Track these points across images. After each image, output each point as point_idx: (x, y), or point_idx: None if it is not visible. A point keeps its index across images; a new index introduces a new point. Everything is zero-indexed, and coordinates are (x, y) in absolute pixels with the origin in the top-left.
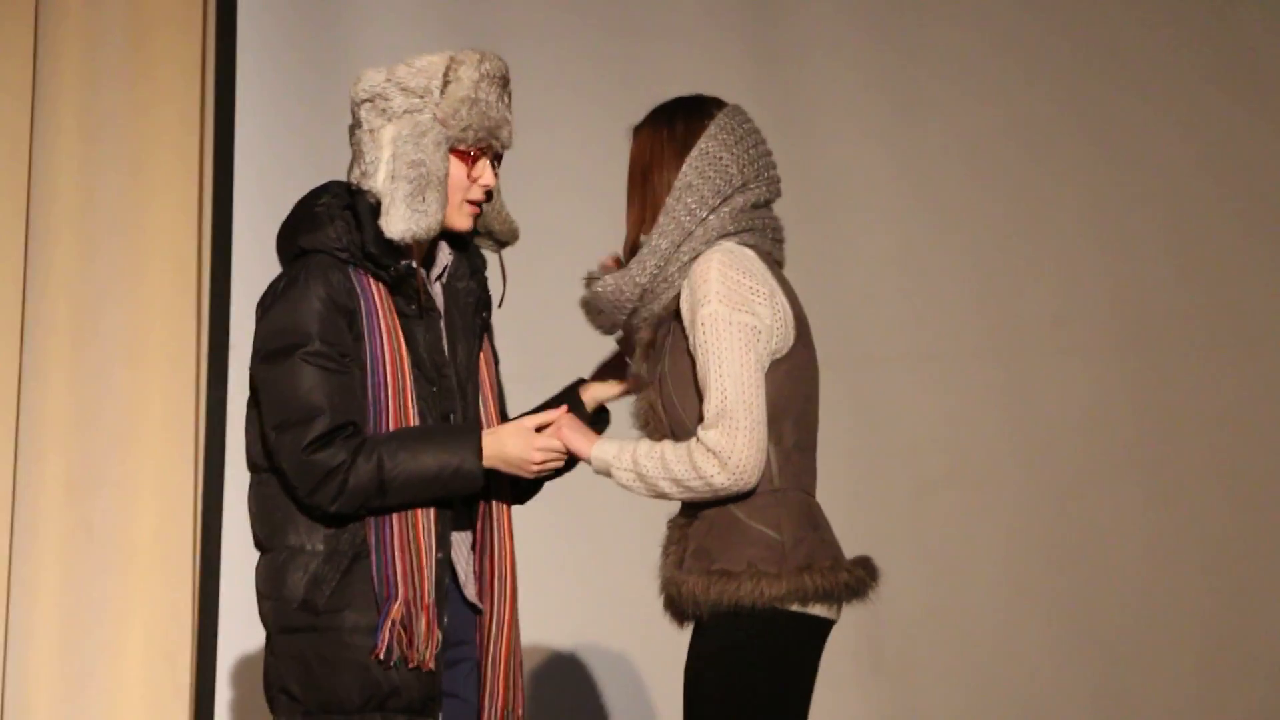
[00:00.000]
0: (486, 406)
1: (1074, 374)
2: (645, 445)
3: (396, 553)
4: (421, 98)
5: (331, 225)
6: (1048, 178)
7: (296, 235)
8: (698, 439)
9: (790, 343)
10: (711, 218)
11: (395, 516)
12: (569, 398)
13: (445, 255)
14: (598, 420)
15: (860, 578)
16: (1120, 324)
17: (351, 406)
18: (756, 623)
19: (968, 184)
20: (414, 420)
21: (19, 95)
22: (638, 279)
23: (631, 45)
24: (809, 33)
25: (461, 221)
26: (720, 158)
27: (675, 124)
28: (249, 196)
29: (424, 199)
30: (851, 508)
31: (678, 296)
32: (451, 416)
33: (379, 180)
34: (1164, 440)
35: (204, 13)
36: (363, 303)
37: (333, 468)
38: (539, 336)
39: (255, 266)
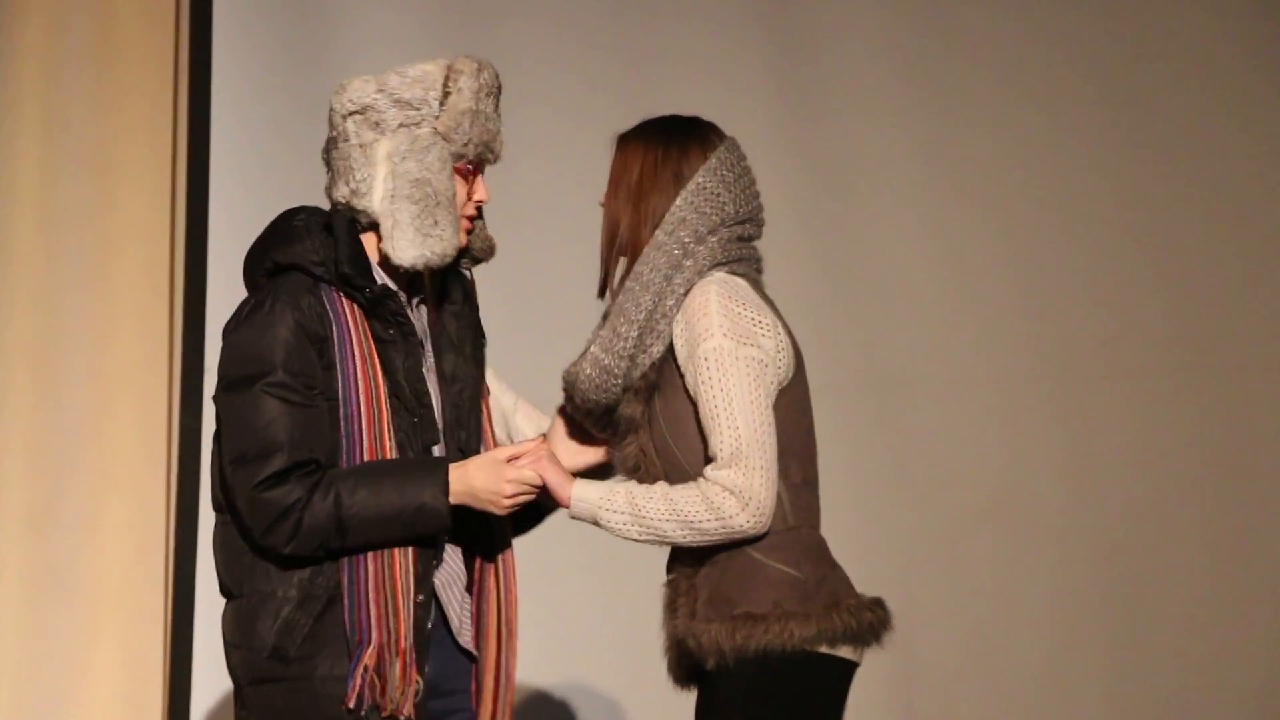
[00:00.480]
0: (486, 440)
1: (1126, 399)
2: (638, 487)
3: (370, 595)
4: (418, 109)
5: (309, 239)
6: (1098, 183)
7: (270, 250)
8: (708, 479)
9: (791, 374)
10: (701, 248)
11: (370, 557)
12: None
13: (427, 277)
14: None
15: (882, 618)
16: (1176, 344)
17: (315, 442)
18: (783, 666)
19: (1011, 189)
20: (391, 454)
21: None
22: (623, 348)
23: (645, 27)
24: (833, 14)
25: (460, 238)
26: (717, 194)
27: (673, 149)
28: (227, 199)
29: (435, 221)
30: (883, 544)
31: (670, 336)
32: (435, 450)
33: (375, 200)
34: (1224, 470)
35: None
36: (335, 327)
37: (286, 506)
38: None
39: (234, 278)
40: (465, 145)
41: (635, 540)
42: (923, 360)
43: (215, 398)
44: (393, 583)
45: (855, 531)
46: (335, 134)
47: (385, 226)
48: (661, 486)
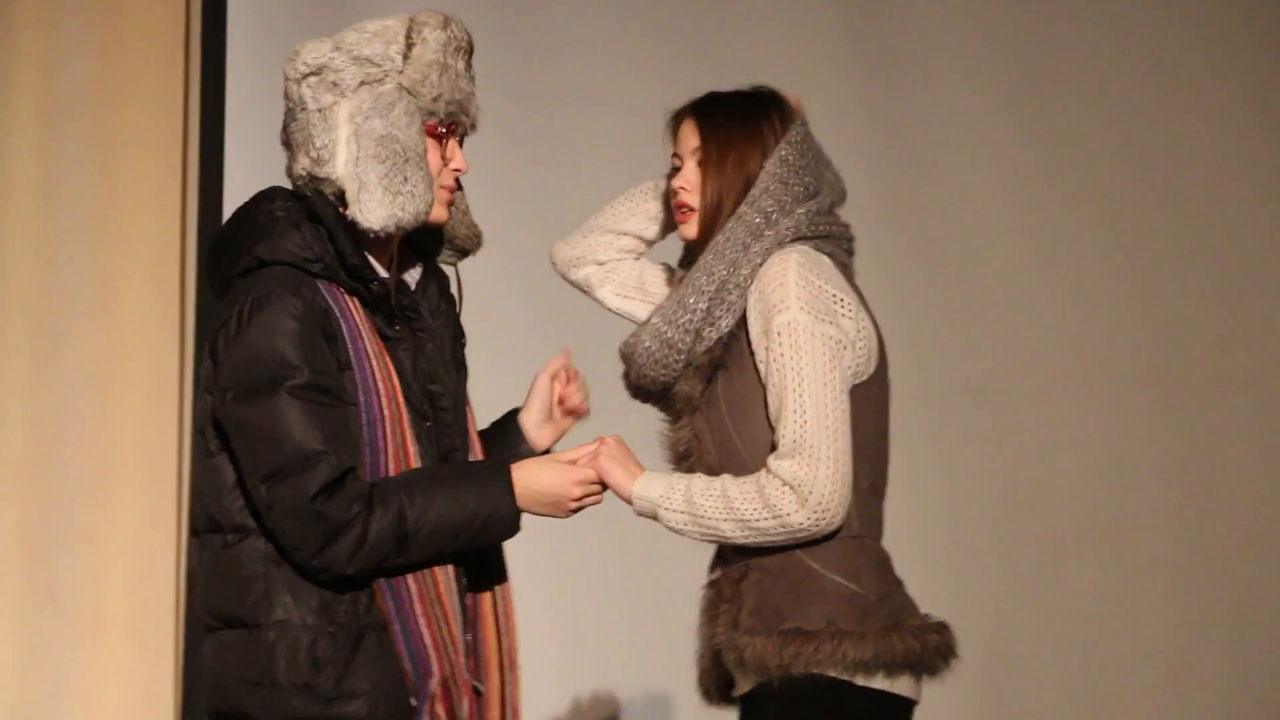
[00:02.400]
0: (473, 448)
1: (1241, 406)
2: (700, 481)
3: (422, 623)
4: (380, 65)
5: (298, 232)
6: (1219, 163)
7: (250, 244)
8: (769, 471)
9: (872, 367)
10: (785, 220)
11: (412, 579)
12: (505, 435)
13: (411, 264)
14: None
15: (948, 643)
16: None
17: (351, 447)
18: (834, 697)
19: (1118, 170)
20: (415, 463)
21: None
22: (689, 321)
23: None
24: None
25: (437, 211)
26: (800, 166)
27: (753, 119)
28: (242, 197)
29: (405, 177)
30: (971, 568)
31: (744, 308)
32: (450, 457)
33: (338, 165)
34: None
35: None
36: (344, 325)
37: (347, 520)
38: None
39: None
40: (435, 101)
41: (697, 540)
42: (1017, 362)
43: (225, 412)
44: (443, 609)
45: (938, 553)
46: (291, 104)
47: (351, 191)
48: (722, 481)
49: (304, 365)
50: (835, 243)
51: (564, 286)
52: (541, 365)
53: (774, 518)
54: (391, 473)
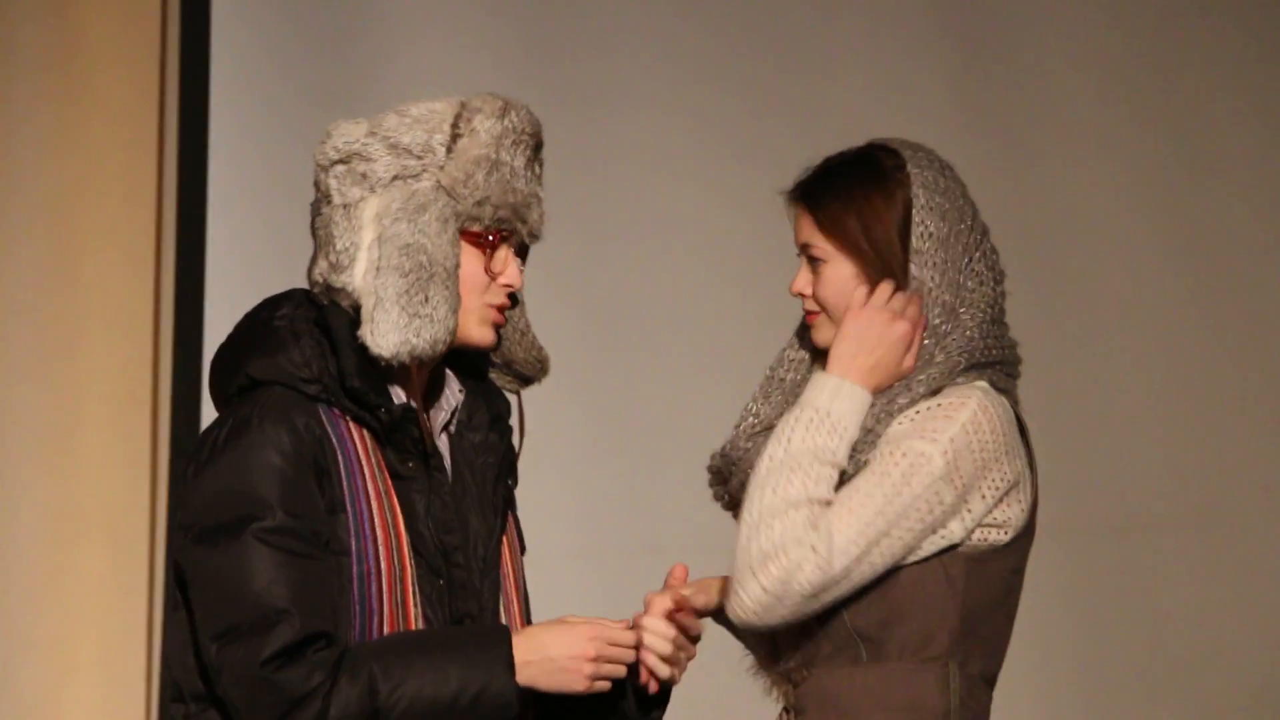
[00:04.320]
0: (510, 611)
1: None
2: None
3: None
4: (420, 158)
5: (296, 346)
6: None
7: (244, 360)
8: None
9: (1007, 536)
10: (954, 336)
11: None
12: None
13: (454, 393)
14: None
15: None
16: None
17: (325, 607)
18: None
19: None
20: (417, 626)
21: None
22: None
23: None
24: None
25: (480, 334)
26: (944, 236)
27: (871, 198)
28: (227, 189)
29: (426, 298)
30: None
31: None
32: (467, 621)
33: (356, 275)
34: None
35: None
36: (340, 458)
37: (306, 693)
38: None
39: (239, 288)
40: (478, 205)
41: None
42: (1162, 496)
43: (181, 553)
44: None
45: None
46: (317, 195)
47: (366, 307)
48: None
49: (279, 506)
50: (1007, 371)
51: (614, 302)
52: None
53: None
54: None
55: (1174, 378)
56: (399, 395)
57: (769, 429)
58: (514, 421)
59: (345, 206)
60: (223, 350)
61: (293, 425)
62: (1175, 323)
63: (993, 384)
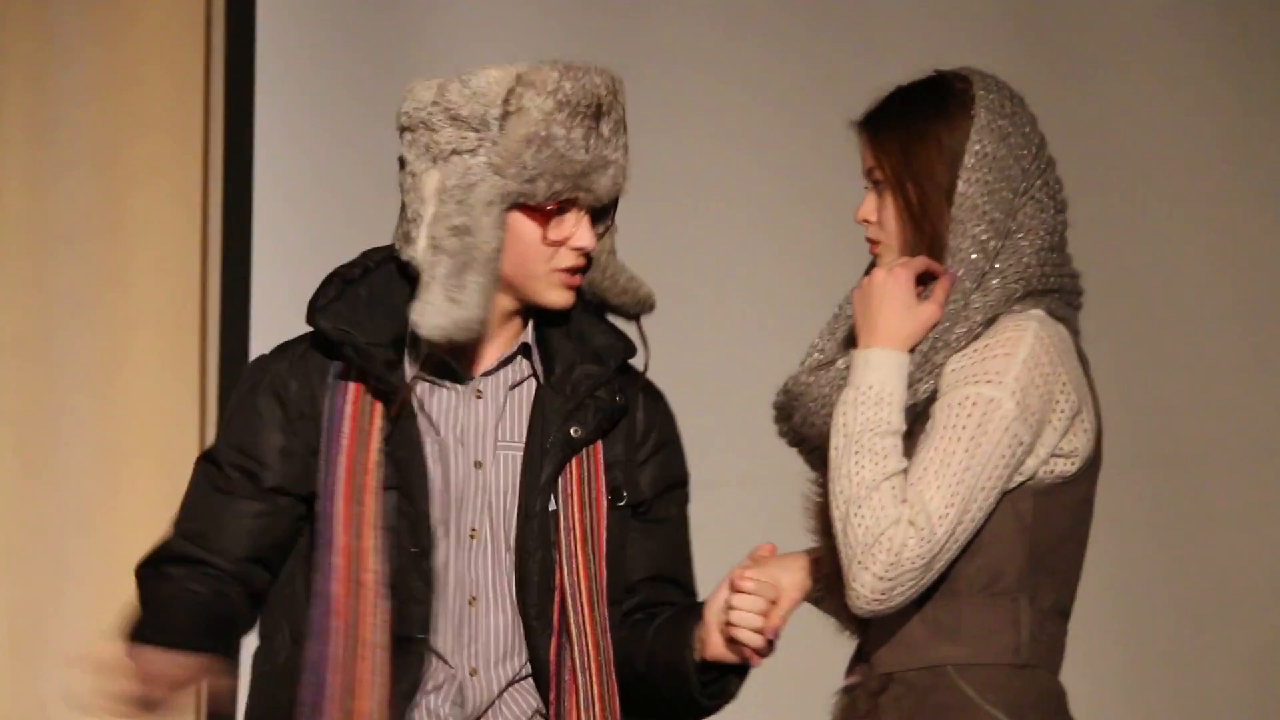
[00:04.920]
0: (573, 564)
1: None
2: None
3: None
4: (477, 131)
5: (340, 297)
6: None
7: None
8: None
9: (1075, 466)
10: (1010, 260)
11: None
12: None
13: (516, 342)
14: (714, 682)
15: None
16: None
17: (208, 537)
18: None
19: None
20: (372, 557)
21: None
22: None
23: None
24: None
25: (552, 297)
26: (1001, 158)
27: (933, 120)
28: (273, 191)
29: (461, 284)
30: (1166, 683)
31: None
32: (428, 559)
33: (419, 250)
34: None
35: None
36: (330, 403)
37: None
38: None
39: (285, 220)
40: (529, 183)
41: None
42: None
43: None
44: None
45: (1129, 667)
46: (400, 156)
47: (423, 282)
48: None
49: (225, 439)
50: (1067, 300)
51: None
52: None
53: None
54: (338, 555)
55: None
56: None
57: (830, 364)
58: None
59: (414, 175)
60: None
61: (280, 367)
62: (1239, 253)
63: (1050, 311)
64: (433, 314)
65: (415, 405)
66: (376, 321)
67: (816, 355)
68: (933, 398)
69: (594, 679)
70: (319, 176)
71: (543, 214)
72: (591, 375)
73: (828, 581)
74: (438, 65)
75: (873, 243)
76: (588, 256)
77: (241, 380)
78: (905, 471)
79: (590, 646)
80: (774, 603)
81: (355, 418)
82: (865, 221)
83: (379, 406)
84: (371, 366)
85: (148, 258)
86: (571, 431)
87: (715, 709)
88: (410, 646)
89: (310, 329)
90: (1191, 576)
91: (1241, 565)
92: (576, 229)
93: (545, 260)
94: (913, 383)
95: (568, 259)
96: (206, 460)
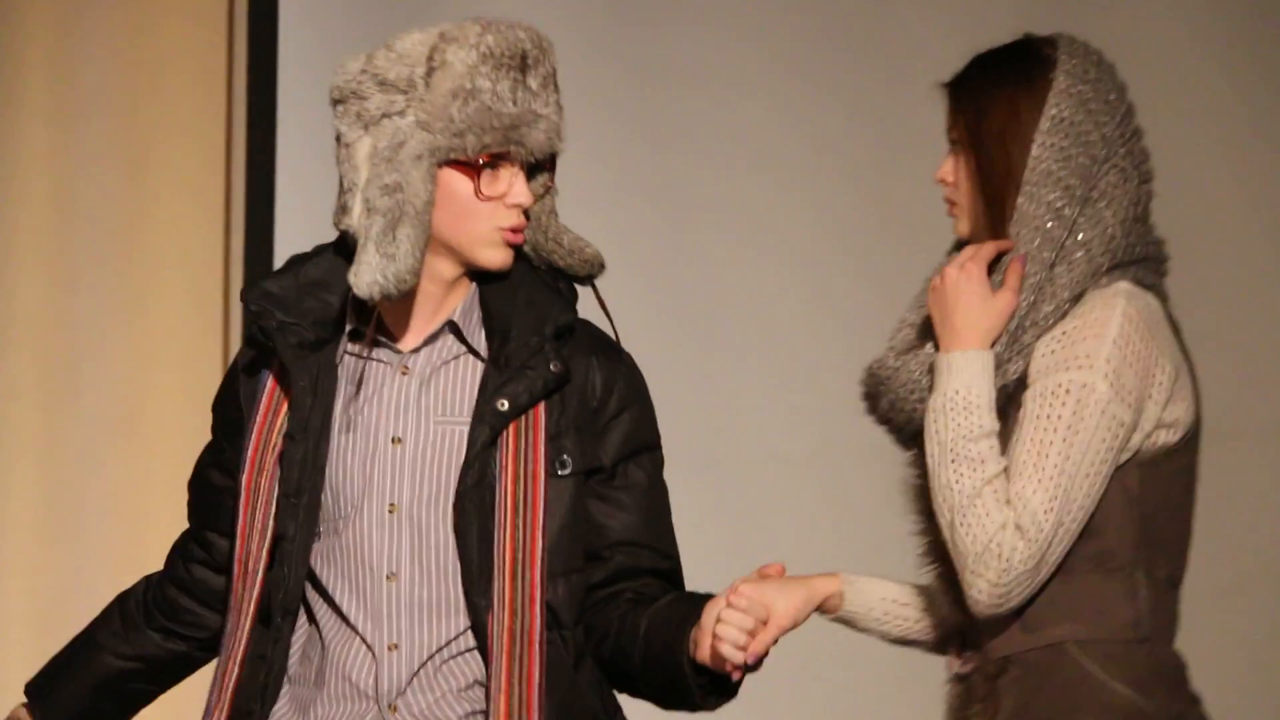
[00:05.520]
0: (502, 533)
1: None
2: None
3: None
4: (405, 93)
5: (284, 274)
6: None
7: None
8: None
9: (1177, 436)
10: (1092, 231)
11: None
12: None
13: (445, 314)
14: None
15: None
16: None
17: (196, 519)
18: None
19: None
20: (259, 538)
21: None
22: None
23: None
24: None
25: (490, 256)
26: (1079, 123)
27: (1011, 83)
28: (297, 201)
29: (394, 238)
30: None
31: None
32: (288, 534)
33: (354, 217)
34: None
35: None
36: (255, 382)
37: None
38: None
39: (309, 173)
40: (457, 137)
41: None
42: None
43: None
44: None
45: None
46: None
47: (359, 247)
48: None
49: (213, 432)
50: (1155, 269)
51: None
52: None
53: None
54: (239, 528)
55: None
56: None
57: (919, 348)
58: (592, 314)
59: (347, 146)
60: None
61: (242, 356)
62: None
63: (1137, 281)
64: (366, 272)
65: (338, 381)
66: (309, 300)
67: (906, 330)
68: (1022, 379)
69: (505, 653)
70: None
71: (475, 170)
72: (527, 345)
73: (932, 561)
74: None
75: (950, 204)
76: (526, 215)
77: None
78: (1006, 470)
79: (507, 618)
80: (764, 624)
81: (271, 395)
82: (943, 182)
83: (294, 385)
84: (281, 343)
85: (171, 256)
86: (499, 405)
87: (716, 706)
88: (277, 621)
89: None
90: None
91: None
92: (511, 185)
93: (483, 218)
94: (1001, 364)
95: (505, 217)
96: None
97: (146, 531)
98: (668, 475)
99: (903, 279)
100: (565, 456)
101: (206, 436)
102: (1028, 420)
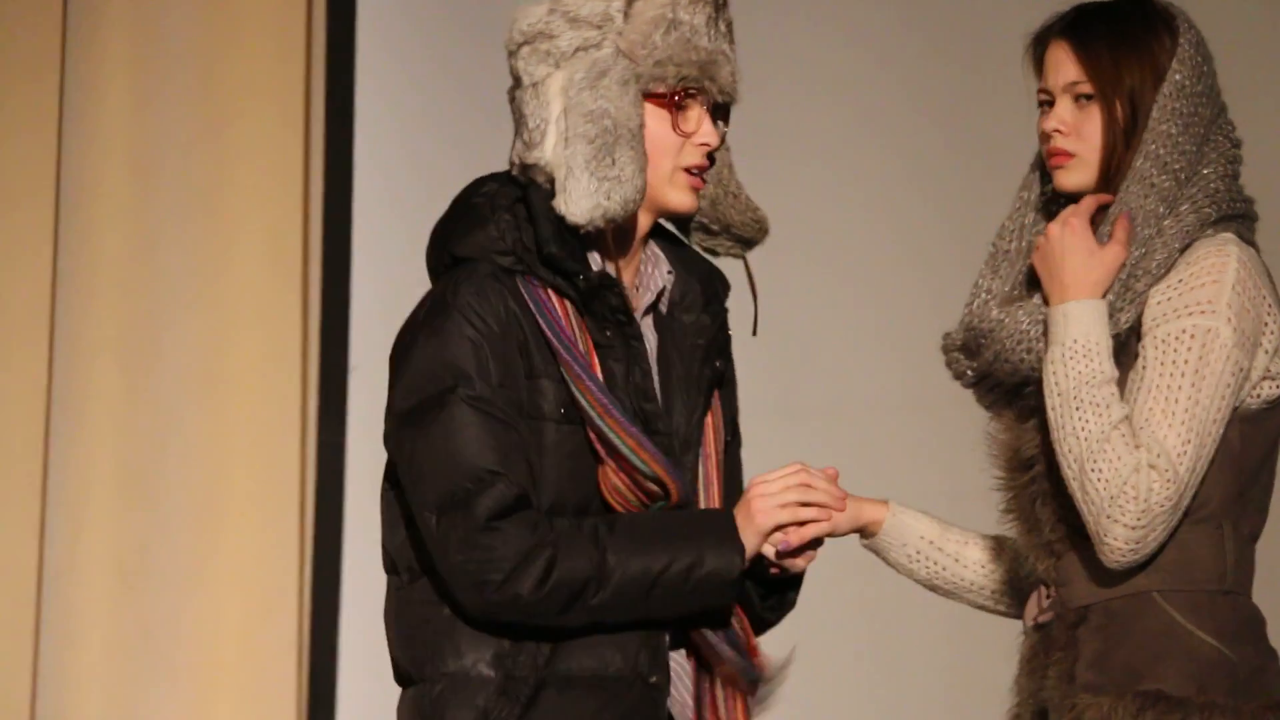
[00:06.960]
0: (709, 492)
1: None
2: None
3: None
4: (599, 28)
5: (493, 221)
6: None
7: (447, 238)
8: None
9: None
10: (1200, 189)
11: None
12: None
13: (662, 274)
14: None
15: None
16: None
17: (525, 474)
18: None
19: None
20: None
21: (44, 42)
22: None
23: None
24: None
25: (679, 198)
26: (1197, 95)
27: (1144, 36)
28: (375, 161)
29: (613, 161)
30: None
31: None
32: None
33: (548, 149)
34: None
35: None
36: (543, 325)
37: (533, 545)
38: (789, 361)
39: (384, 259)
40: (659, 66)
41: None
42: None
43: (390, 435)
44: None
45: None
46: (511, 80)
47: (559, 178)
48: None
49: (478, 376)
50: (1250, 227)
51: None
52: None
53: (1134, 469)
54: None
55: None
56: (597, 263)
57: (1022, 300)
58: (741, 286)
59: (534, 85)
60: (433, 229)
61: (487, 298)
62: None
63: (1240, 236)
64: (583, 197)
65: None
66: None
67: (985, 296)
68: (1135, 327)
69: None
70: (421, 104)
71: (670, 103)
72: (716, 312)
73: (1016, 517)
74: None
75: (1061, 154)
76: (711, 159)
77: (445, 327)
78: (1130, 417)
79: None
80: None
81: (576, 332)
82: (1057, 132)
83: (582, 321)
84: (573, 273)
85: (250, 214)
86: (716, 364)
87: (777, 620)
88: None
89: (469, 268)
90: None
91: None
92: (701, 123)
93: (673, 155)
94: (1113, 313)
95: (693, 156)
96: (472, 401)
97: (226, 488)
98: (751, 425)
99: (991, 231)
100: (731, 421)
101: (285, 393)
102: (1150, 366)
